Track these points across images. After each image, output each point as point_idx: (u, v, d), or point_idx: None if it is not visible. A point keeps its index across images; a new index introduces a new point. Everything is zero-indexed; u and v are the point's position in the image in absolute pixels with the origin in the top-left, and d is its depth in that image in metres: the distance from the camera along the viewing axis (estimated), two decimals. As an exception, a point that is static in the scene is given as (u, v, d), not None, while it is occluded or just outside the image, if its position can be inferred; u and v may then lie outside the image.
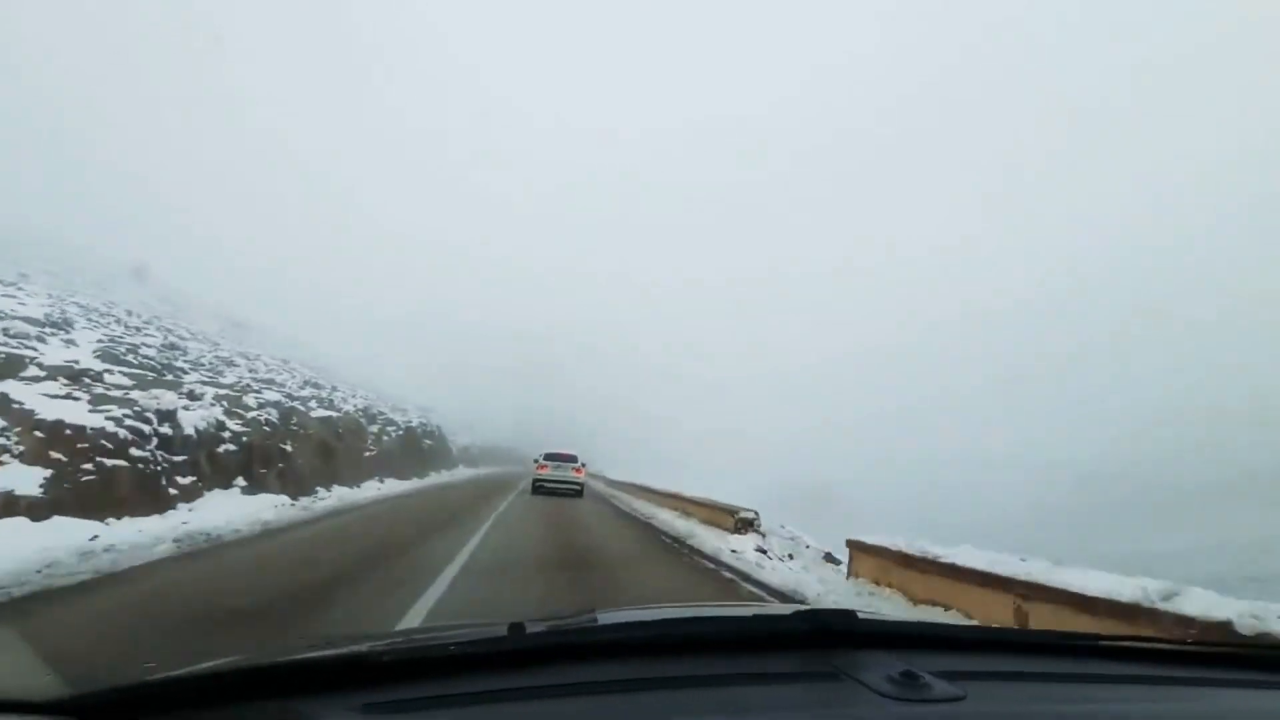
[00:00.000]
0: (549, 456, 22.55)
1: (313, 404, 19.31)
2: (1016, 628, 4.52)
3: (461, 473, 35.59)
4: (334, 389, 24.50)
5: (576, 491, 21.89)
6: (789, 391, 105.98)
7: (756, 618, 1.45)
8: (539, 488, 21.60)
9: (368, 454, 21.23)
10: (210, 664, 1.15)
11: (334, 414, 19.79)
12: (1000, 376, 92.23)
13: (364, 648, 1.21)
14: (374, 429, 23.58)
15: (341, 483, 16.94)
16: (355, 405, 23.74)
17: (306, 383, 22.99)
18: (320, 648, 1.36)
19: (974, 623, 5.10)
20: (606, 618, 1.58)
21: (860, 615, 1.29)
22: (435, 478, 28.19)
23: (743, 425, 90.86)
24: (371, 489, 18.11)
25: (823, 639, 1.16)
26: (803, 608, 1.30)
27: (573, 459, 22.52)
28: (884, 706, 0.95)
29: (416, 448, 28.86)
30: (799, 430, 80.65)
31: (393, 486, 19.87)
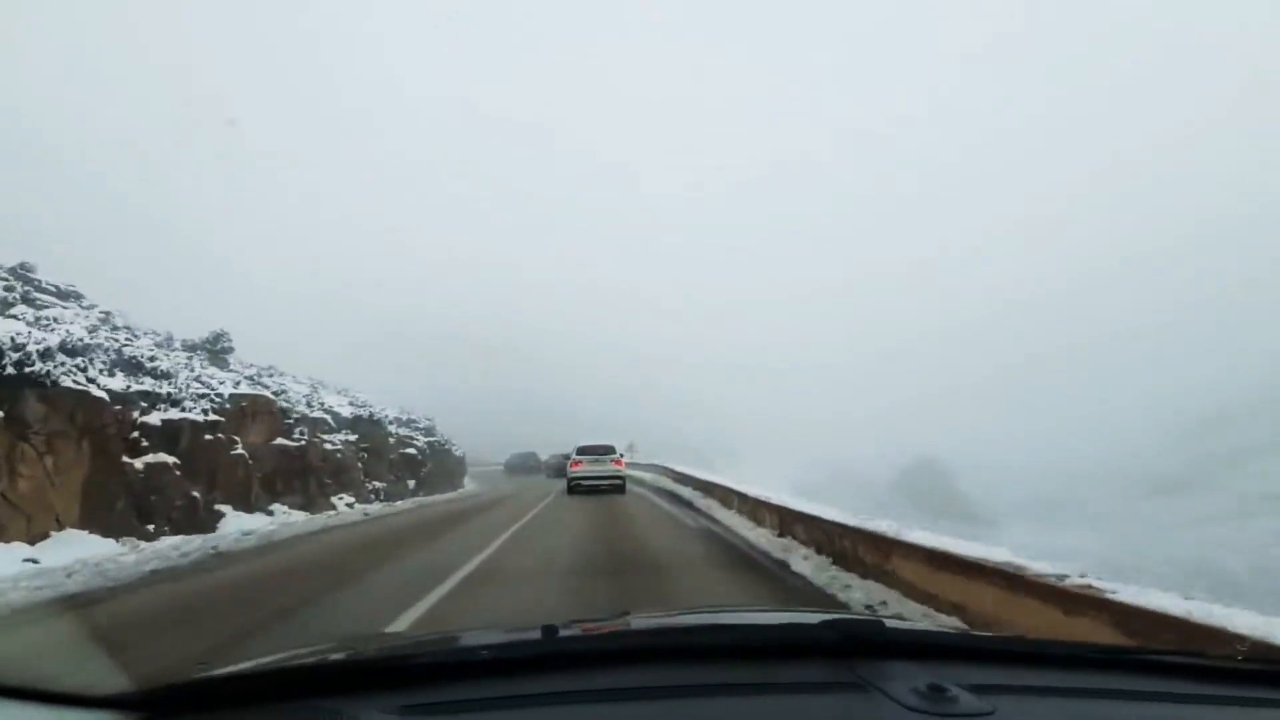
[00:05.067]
0: (583, 450, 19.76)
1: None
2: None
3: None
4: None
5: (618, 486, 19.39)
6: (861, 378, 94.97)
7: (784, 626, 1.46)
8: (575, 487, 19.09)
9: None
10: (255, 663, 1.27)
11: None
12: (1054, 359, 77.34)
13: (401, 650, 1.28)
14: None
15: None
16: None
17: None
18: (359, 650, 1.46)
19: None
20: (639, 623, 1.63)
21: (888, 624, 1.27)
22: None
23: (805, 413, 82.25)
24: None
25: (850, 648, 1.16)
26: (830, 616, 1.29)
27: (610, 450, 19.93)
28: None
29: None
30: (876, 415, 73.68)
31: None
